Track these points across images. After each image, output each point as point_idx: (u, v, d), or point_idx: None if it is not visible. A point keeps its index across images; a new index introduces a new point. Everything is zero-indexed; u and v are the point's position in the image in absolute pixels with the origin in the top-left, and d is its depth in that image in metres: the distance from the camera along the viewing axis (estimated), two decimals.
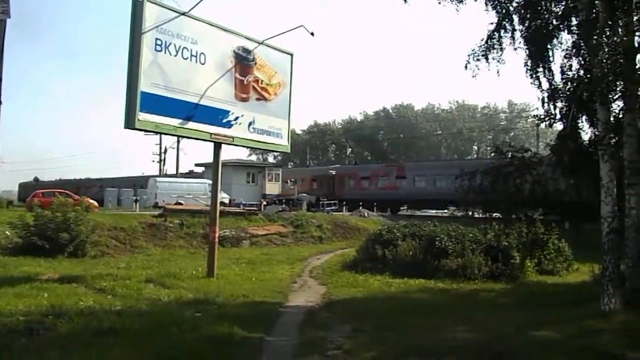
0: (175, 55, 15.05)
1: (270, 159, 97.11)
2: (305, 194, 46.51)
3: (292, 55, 18.89)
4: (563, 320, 10.36)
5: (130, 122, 14.14)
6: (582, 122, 14.42)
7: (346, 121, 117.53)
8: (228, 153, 71.67)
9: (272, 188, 50.56)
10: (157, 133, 25.27)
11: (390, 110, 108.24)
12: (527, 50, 13.67)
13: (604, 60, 12.34)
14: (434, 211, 47.69)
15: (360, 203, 42.76)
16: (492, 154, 29.73)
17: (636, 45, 12.95)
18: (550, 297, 13.52)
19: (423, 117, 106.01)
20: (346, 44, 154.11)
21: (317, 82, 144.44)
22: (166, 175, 54.87)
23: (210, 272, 16.07)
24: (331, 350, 8.29)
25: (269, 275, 16.67)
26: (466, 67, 14.39)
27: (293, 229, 29.94)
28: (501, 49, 14.15)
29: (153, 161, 60.91)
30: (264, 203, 41.81)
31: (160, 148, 59.66)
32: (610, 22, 12.67)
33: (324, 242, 29.04)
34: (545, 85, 13.87)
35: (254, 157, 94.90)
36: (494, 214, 25.63)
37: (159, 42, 14.59)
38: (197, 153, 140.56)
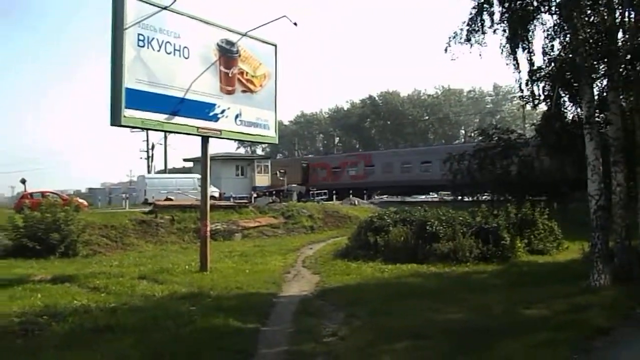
0: (159, 50, 14.96)
1: (259, 151, 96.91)
2: (294, 185, 46.53)
3: (276, 46, 18.83)
4: (553, 298, 10.54)
5: (116, 119, 14.07)
6: (566, 102, 14.54)
7: (333, 110, 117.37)
8: (216, 147, 71.56)
9: (262, 180, 50.52)
10: (143, 129, 25.19)
11: (377, 98, 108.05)
12: (507, 32, 13.69)
13: (587, 40, 12.45)
14: (424, 196, 47.98)
15: (350, 191, 42.87)
16: (479, 137, 29.86)
17: (617, 23, 13.07)
18: (541, 276, 13.70)
19: (409, 103, 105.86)
20: (330, 33, 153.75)
21: (303, 73, 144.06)
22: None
23: (203, 266, 16.09)
24: (326, 337, 8.37)
25: (262, 267, 16.71)
26: (446, 50, 14.45)
27: (284, 220, 30.00)
28: (483, 32, 14.17)
29: (141, 158, 60.51)
30: (254, 195, 41.78)
31: (148, 144, 59.26)
32: (591, 2, 12.76)
33: (316, 232, 29.12)
34: (526, 66, 13.93)
35: (242, 150, 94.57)
36: (483, 196, 25.83)
37: (141, 38, 14.49)
38: (185, 148, 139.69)
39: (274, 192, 45.03)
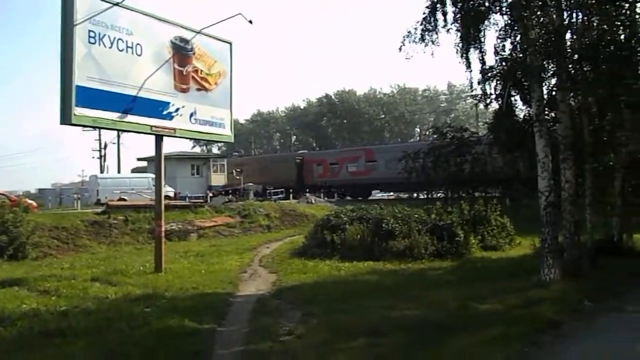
0: (110, 47, 14.62)
1: (215, 150, 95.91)
2: (251, 184, 46.12)
3: (231, 43, 18.66)
4: (506, 293, 10.76)
5: (66, 118, 13.69)
6: (517, 100, 14.88)
7: (289, 109, 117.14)
8: (171, 146, 70.59)
9: (218, 179, 49.98)
10: (95, 128, 24.62)
11: (333, 96, 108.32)
12: (460, 32, 13.92)
13: (536, 40, 12.77)
14: (380, 194, 48.19)
15: (307, 190, 42.78)
16: (434, 136, 30.26)
17: (566, 24, 13.45)
18: (494, 271, 13.99)
19: (365, 101, 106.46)
20: (287, 32, 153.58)
21: (260, 71, 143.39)
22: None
23: (158, 266, 15.83)
24: (283, 336, 8.33)
25: (218, 267, 16.55)
26: (400, 49, 14.60)
27: (241, 219, 29.77)
28: (436, 31, 14.38)
29: (93, 157, 59.18)
30: (210, 195, 41.36)
31: (100, 144, 58.02)
32: (541, 3, 13.09)
33: (273, 231, 28.98)
34: (477, 65, 14.20)
35: (198, 149, 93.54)
36: (437, 194, 26.21)
37: (92, 34, 14.14)
38: (139, 147, 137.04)
39: (230, 191, 44.66)
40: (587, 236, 15.40)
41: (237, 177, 47.10)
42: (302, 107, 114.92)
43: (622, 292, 11.10)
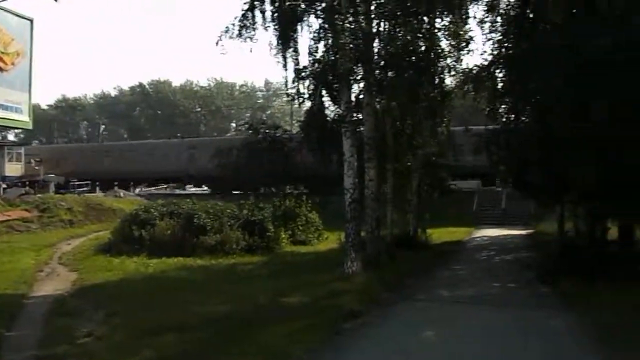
0: None
1: (11, 137, 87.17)
2: (52, 175, 42.50)
3: (32, 21, 17.14)
4: (312, 285, 11.19)
5: None
6: (328, 101, 15.50)
7: (99, 96, 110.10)
8: None
9: (14, 169, 45.31)
10: None
11: (147, 86, 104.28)
12: (277, 31, 14.16)
13: (347, 45, 13.40)
14: (194, 189, 47.41)
15: (116, 183, 40.53)
16: (249, 132, 30.52)
17: (375, 32, 14.32)
18: (303, 265, 14.56)
19: (181, 93, 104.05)
20: (96, 14, 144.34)
21: (66, 53, 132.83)
22: None
23: None
24: (81, 338, 7.81)
25: (10, 266, 15.04)
26: (217, 43, 14.51)
27: (39, 214, 27.30)
28: (254, 28, 14.49)
29: None
30: (4, 186, 37.45)
31: None
32: (352, 10, 13.75)
33: (76, 226, 27.04)
34: (291, 65, 14.57)
35: None
36: (250, 190, 26.52)
37: None
38: None
39: (27, 183, 40.80)
40: (387, 231, 16.64)
41: (36, 168, 43.19)
42: (112, 95, 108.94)
43: (415, 282, 12.30)
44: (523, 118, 16.19)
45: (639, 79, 9.89)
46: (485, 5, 16.11)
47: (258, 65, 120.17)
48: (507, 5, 15.88)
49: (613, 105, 10.30)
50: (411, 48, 14.64)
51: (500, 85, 17.17)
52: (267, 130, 28.27)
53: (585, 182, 10.96)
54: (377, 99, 15.46)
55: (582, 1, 12.19)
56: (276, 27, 14.29)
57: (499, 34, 16.01)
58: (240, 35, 14.54)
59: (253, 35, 14.52)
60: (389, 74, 14.95)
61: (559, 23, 12.40)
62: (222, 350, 7.14)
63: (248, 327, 8.06)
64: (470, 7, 16.10)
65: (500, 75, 17.01)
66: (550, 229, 19.54)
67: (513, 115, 17.09)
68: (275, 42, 14.42)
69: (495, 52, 16.30)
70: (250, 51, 14.89)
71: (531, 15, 14.68)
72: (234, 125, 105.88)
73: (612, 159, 10.62)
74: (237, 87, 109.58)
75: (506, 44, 15.85)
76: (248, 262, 15.50)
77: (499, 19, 15.93)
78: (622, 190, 10.87)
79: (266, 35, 14.46)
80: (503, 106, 17.83)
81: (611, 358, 6.77)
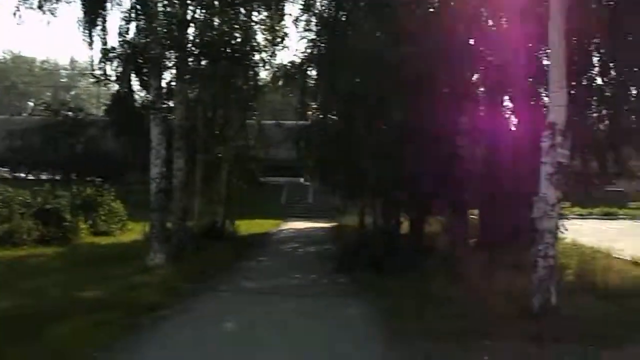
0: None
1: None
2: None
3: None
4: (111, 278, 10.64)
5: None
6: (137, 85, 14.90)
7: None
8: None
9: None
10: None
11: None
12: (84, 6, 13.34)
13: (159, 29, 12.98)
14: None
15: None
16: (46, 113, 28.15)
17: (190, 18, 14.02)
18: (103, 257, 13.80)
19: None
20: None
21: None
22: None
23: None
24: None
25: None
26: (15, 14, 13.38)
27: None
28: (57, 1, 13.57)
29: None
30: None
31: None
32: None
33: None
34: (99, 45, 13.81)
35: None
36: (48, 176, 24.66)
37: None
38: None
39: None
40: (194, 222, 16.46)
41: None
42: None
43: (218, 273, 12.30)
44: (330, 116, 17.00)
45: (429, 87, 11.06)
46: (301, 4, 16.63)
47: (65, 42, 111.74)
48: (322, 7, 16.51)
49: (405, 108, 11.37)
50: (227, 38, 14.63)
51: (311, 83, 17.83)
52: (68, 113, 26.31)
53: (379, 179, 11.89)
54: (190, 88, 15.19)
55: (382, 16, 12.97)
56: (84, 2, 13.49)
57: (313, 33, 16.59)
58: (40, 7, 13.52)
59: (55, 8, 13.57)
60: (203, 62, 14.74)
61: (366, 31, 13.19)
62: (4, 354, 6.46)
63: (37, 324, 7.37)
64: (286, 4, 16.53)
65: (313, 73, 17.67)
66: (352, 223, 20.80)
67: (321, 115, 17.89)
68: (82, 19, 13.63)
69: (308, 51, 16.87)
70: (48, 24, 13.91)
71: (343, 19, 15.39)
72: (32, 104, 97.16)
73: (401, 158, 11.73)
74: (38, 63, 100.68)
75: (319, 44, 16.46)
76: (41, 254, 14.33)
77: (313, 18, 16.48)
78: (409, 187, 12.03)
79: (75, 9, 13.61)
80: (312, 104, 18.57)
81: (390, 327, 7.60)
